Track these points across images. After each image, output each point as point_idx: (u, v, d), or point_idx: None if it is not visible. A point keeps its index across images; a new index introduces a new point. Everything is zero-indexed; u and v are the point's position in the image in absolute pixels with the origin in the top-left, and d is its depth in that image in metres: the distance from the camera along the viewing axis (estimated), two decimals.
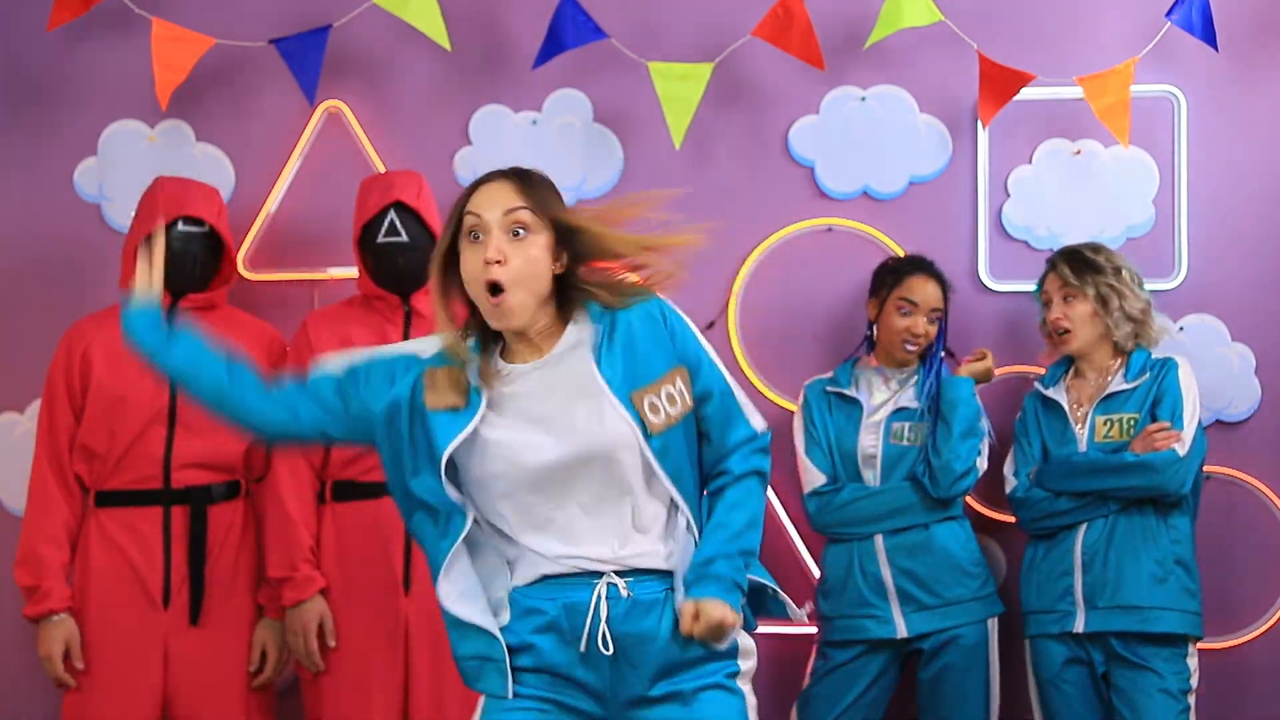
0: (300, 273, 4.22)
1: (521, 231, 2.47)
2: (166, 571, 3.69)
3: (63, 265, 4.21)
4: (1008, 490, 3.91)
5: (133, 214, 3.80)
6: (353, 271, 4.10)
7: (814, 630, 3.94)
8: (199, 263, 3.77)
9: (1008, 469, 3.93)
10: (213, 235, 3.78)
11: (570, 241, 2.50)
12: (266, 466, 3.82)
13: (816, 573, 4.03)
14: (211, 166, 4.22)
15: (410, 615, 3.70)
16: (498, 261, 2.44)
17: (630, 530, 2.48)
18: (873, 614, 3.81)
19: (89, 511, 3.72)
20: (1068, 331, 3.83)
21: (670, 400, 2.48)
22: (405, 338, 3.76)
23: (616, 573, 2.46)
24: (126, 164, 4.19)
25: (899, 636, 3.81)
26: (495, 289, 2.44)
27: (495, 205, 2.48)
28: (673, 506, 2.51)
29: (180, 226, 3.73)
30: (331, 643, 3.69)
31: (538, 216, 2.48)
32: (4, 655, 4.15)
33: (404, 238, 3.74)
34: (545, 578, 2.49)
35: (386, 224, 3.74)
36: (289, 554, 3.69)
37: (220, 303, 3.84)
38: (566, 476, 2.46)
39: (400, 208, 3.75)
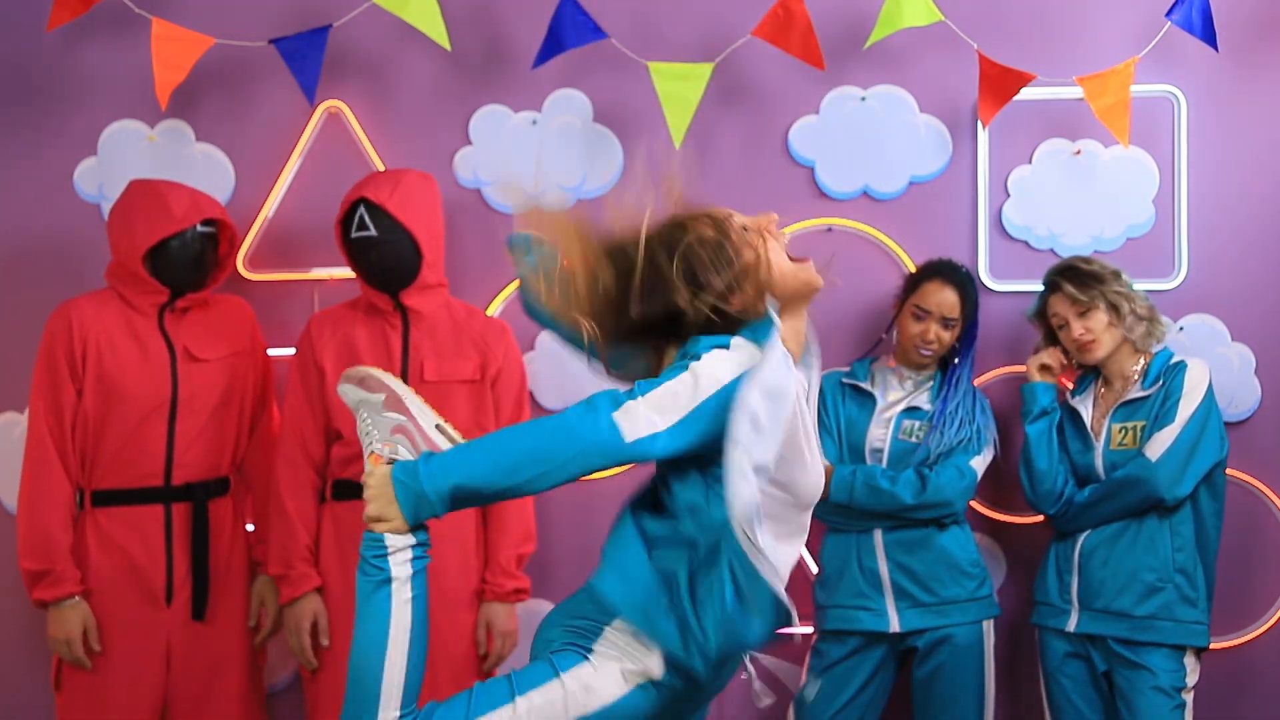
0: (300, 273, 4.22)
1: None
2: (169, 569, 3.70)
3: (63, 265, 4.21)
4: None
5: (124, 217, 3.78)
6: (339, 272, 4.13)
7: (810, 630, 3.95)
8: (207, 263, 3.81)
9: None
10: (215, 236, 3.81)
11: None
12: (252, 454, 3.87)
13: (814, 568, 4.04)
14: (211, 166, 4.22)
15: None
16: None
17: None
18: (867, 606, 3.83)
19: (85, 512, 3.71)
20: (1092, 342, 3.83)
21: None
22: (405, 338, 3.77)
23: None
24: (126, 164, 4.19)
25: (892, 631, 3.83)
26: None
27: None
28: None
29: (198, 229, 3.76)
30: (325, 640, 3.70)
31: None
32: (4, 654, 4.16)
33: (372, 232, 3.74)
34: None
35: (356, 219, 3.75)
36: (286, 552, 3.70)
37: (201, 302, 3.85)
38: None
39: (368, 204, 3.75)
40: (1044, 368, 3.93)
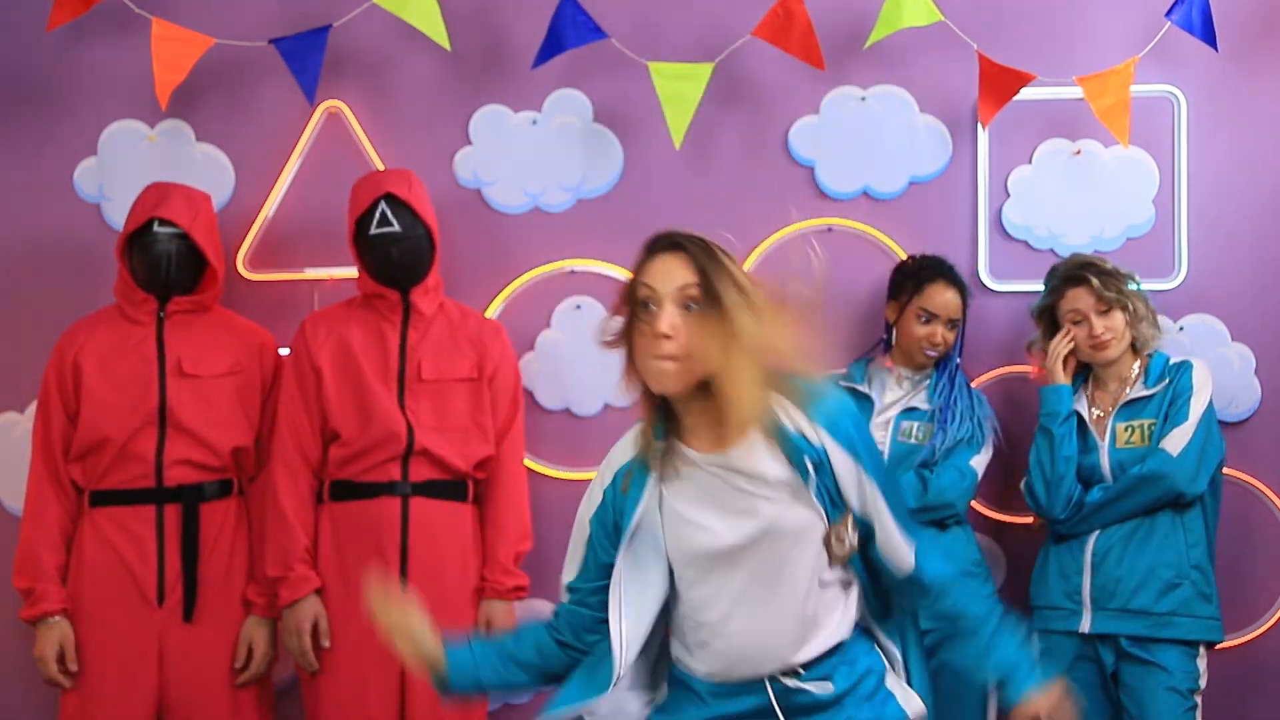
0: (300, 273, 4.22)
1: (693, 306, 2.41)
2: (160, 569, 3.70)
3: (63, 265, 4.21)
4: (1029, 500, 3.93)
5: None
6: (339, 272, 4.13)
7: None
8: (174, 264, 3.77)
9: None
10: (190, 238, 3.78)
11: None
12: (259, 466, 3.84)
13: None
14: (211, 166, 4.22)
15: None
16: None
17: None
18: None
19: (84, 511, 3.74)
20: (1111, 340, 3.81)
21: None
22: (404, 336, 3.77)
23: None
24: (126, 164, 4.20)
25: None
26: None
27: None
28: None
29: (156, 227, 3.75)
30: (325, 642, 3.70)
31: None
32: (3, 654, 4.15)
33: (396, 227, 3.75)
34: None
35: (378, 215, 3.75)
36: (284, 553, 3.70)
37: (212, 305, 3.86)
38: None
39: (391, 199, 3.76)
40: (1067, 368, 3.90)
